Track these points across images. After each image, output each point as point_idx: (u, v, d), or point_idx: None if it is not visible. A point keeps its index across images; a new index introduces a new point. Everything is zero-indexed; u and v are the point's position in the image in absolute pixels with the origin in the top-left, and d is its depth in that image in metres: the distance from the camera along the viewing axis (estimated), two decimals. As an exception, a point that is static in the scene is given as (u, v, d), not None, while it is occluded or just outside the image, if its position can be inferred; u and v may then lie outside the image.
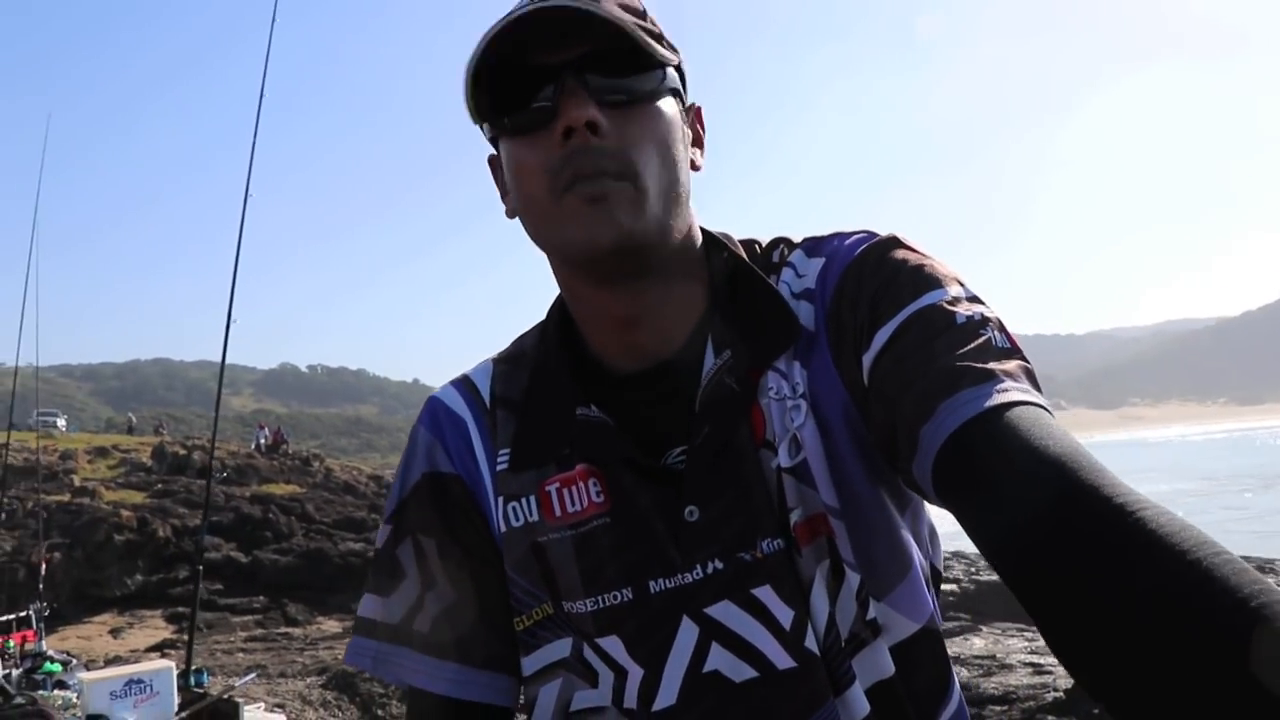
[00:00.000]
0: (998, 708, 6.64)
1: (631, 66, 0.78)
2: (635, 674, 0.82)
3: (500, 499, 0.87)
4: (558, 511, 0.84)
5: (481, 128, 0.85)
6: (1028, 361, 0.73)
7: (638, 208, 0.76)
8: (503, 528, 0.86)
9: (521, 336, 0.96)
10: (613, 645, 0.83)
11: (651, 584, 0.81)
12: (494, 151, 0.87)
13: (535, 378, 0.90)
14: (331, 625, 14.26)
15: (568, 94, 0.76)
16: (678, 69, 0.83)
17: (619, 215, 0.76)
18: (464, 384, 0.94)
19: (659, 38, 0.81)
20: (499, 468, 0.88)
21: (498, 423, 0.90)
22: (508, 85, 0.78)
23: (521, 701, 0.90)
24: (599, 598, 0.83)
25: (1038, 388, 0.71)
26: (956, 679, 0.87)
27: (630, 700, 0.82)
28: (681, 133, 0.83)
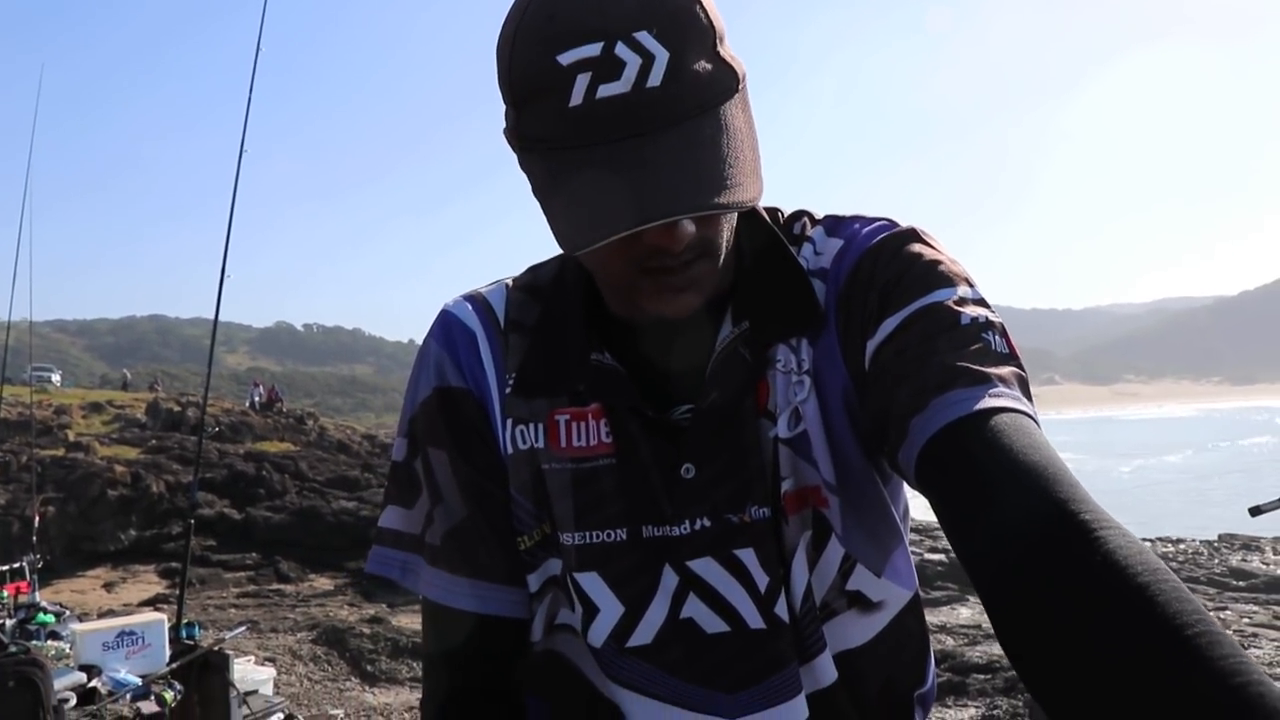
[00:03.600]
0: (981, 676, 6.79)
1: None
2: (613, 611, 0.86)
3: (509, 420, 0.88)
4: (563, 442, 0.86)
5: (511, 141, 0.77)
6: (1023, 370, 0.76)
7: (715, 275, 0.77)
8: (509, 449, 0.88)
9: (538, 267, 0.94)
10: (590, 581, 0.86)
11: (644, 529, 0.84)
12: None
13: (548, 313, 0.89)
14: (323, 583, 14.35)
15: None
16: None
17: (700, 294, 0.77)
18: (478, 300, 0.93)
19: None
20: (508, 389, 0.88)
21: (510, 346, 0.89)
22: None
23: None
24: (588, 534, 0.85)
25: (1029, 396, 0.74)
26: (931, 647, 0.94)
27: (596, 636, 0.86)
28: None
